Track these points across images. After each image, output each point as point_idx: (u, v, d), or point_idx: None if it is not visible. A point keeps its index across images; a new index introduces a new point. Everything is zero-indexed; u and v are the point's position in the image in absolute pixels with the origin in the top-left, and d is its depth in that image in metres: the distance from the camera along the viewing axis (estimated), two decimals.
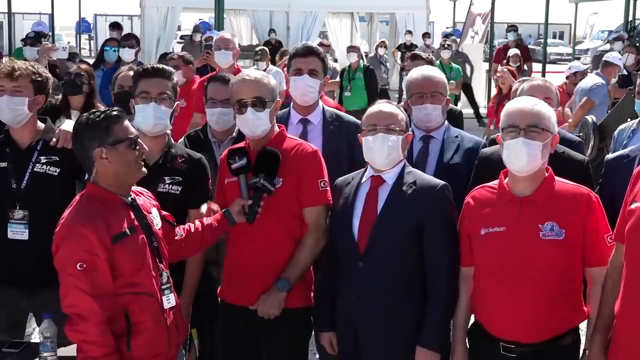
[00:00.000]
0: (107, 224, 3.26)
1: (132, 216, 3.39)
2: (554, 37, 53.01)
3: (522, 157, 3.38)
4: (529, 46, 34.11)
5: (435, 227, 3.65)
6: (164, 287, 3.44)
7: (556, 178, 3.50)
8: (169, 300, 3.46)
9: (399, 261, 3.67)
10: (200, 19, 40.99)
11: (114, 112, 3.39)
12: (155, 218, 3.53)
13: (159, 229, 3.53)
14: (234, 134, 4.78)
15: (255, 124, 3.90)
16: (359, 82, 11.81)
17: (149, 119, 3.98)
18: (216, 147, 4.76)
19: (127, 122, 3.41)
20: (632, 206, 3.20)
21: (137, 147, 3.39)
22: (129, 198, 3.44)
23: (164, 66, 4.23)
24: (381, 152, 3.72)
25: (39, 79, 4.18)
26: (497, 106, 10.12)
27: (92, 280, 3.19)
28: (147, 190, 3.64)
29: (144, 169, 3.45)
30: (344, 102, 11.68)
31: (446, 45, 14.47)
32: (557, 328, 3.43)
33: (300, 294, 3.95)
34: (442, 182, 3.75)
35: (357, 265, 3.71)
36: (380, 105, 3.84)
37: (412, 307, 3.68)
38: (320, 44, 13.53)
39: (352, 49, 12.57)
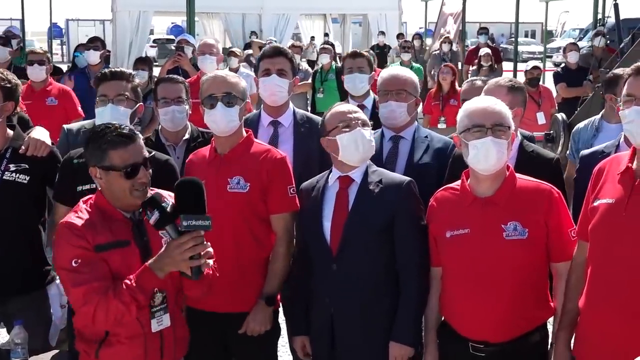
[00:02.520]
0: (94, 232, 3.19)
1: (130, 231, 3.27)
2: (526, 35, 53.37)
3: (491, 156, 3.38)
4: (501, 45, 34.32)
5: (404, 223, 3.67)
6: (154, 309, 3.27)
7: (517, 175, 3.52)
8: (161, 322, 3.30)
9: (372, 260, 3.68)
10: (172, 23, 40.93)
11: (120, 135, 3.23)
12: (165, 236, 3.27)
13: None
14: (187, 135, 4.77)
15: (225, 118, 3.92)
16: (331, 83, 11.76)
17: (106, 120, 3.95)
18: (171, 150, 4.69)
19: (130, 148, 3.22)
20: (595, 203, 3.22)
21: (135, 177, 3.22)
22: (135, 213, 3.31)
23: (123, 69, 4.31)
24: (363, 148, 3.74)
25: (8, 85, 4.14)
26: (443, 104, 10.17)
27: (92, 270, 3.11)
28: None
29: (140, 199, 3.24)
30: (317, 104, 11.65)
31: (407, 49, 14.49)
32: (525, 326, 3.46)
33: None
34: (407, 179, 3.77)
35: (331, 268, 3.72)
36: (342, 106, 3.89)
37: (387, 304, 3.70)
38: (292, 46, 13.49)
39: (324, 50, 12.50)
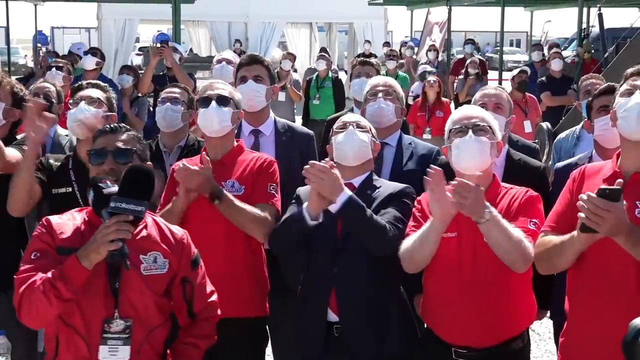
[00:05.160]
0: (65, 234, 3.00)
1: None
2: (511, 44, 53.68)
3: (473, 154, 3.42)
4: (487, 54, 34.41)
5: (391, 203, 3.68)
6: (109, 335, 2.95)
7: (501, 184, 3.56)
8: (115, 352, 2.95)
9: (373, 259, 3.62)
10: (158, 31, 40.82)
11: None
12: (148, 261, 3.05)
13: (148, 275, 3.02)
14: (182, 142, 4.81)
15: (217, 117, 3.95)
16: (327, 91, 11.59)
17: (78, 119, 4.18)
18: (166, 156, 4.75)
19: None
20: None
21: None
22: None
23: (99, 82, 4.58)
24: (352, 145, 3.77)
25: (20, 93, 4.34)
26: (429, 115, 10.19)
27: (41, 264, 2.91)
28: (183, 235, 3.20)
29: None
30: (311, 110, 11.50)
31: (392, 57, 14.50)
32: (507, 332, 3.47)
33: (255, 304, 3.95)
34: (407, 186, 3.79)
35: (332, 271, 3.66)
36: (348, 114, 3.99)
37: (391, 301, 3.70)
38: (288, 54, 13.29)
39: (322, 57, 12.31)
